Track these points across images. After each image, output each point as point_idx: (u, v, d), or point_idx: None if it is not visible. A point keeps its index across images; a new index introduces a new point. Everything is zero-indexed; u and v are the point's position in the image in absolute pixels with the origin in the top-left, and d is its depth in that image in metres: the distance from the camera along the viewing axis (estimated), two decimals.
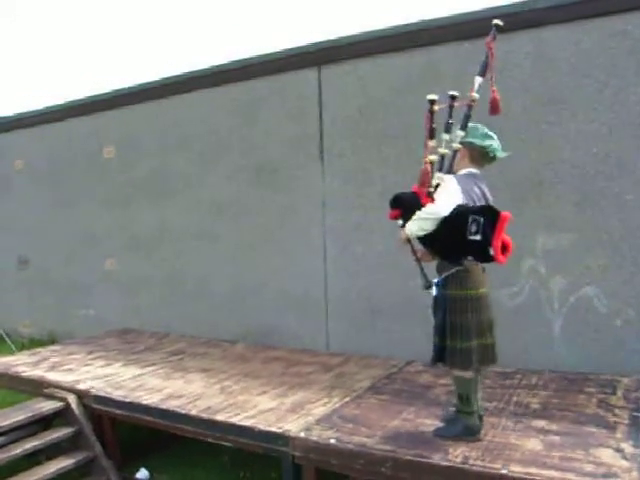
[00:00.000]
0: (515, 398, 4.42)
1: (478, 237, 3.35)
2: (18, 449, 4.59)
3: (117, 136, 8.58)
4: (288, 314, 6.83)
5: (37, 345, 8.07)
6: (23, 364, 6.16)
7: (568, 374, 4.94)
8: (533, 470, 3.16)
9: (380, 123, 6.17)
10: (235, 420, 4.22)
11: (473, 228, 3.35)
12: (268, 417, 4.25)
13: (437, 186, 3.57)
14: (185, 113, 7.75)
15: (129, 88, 8.36)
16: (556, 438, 3.60)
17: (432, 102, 3.60)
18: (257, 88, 7.06)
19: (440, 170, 3.67)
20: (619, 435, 3.60)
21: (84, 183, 9.01)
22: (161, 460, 5.29)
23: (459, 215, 3.39)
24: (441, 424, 3.84)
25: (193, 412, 4.45)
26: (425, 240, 3.64)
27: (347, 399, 4.58)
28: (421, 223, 3.51)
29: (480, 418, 3.67)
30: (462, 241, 3.41)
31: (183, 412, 4.48)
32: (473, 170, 3.65)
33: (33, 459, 4.81)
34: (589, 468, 3.16)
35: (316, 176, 6.61)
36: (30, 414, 4.88)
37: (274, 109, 6.93)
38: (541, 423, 3.87)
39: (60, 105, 9.33)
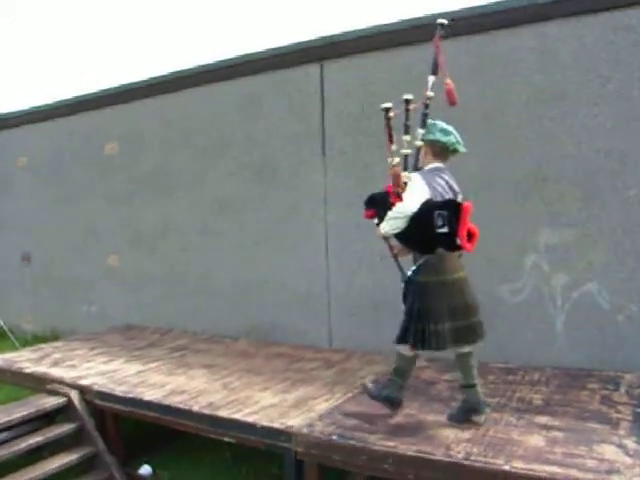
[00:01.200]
0: (517, 394, 4.42)
1: (445, 229, 3.61)
2: (22, 444, 4.62)
3: (119, 132, 8.57)
4: (290, 310, 6.83)
5: (40, 341, 8.09)
6: (26, 360, 6.18)
7: (570, 370, 4.93)
8: (535, 466, 3.15)
9: (382, 119, 6.14)
10: (237, 416, 4.23)
11: (439, 222, 3.60)
12: (270, 413, 4.25)
13: (405, 184, 3.80)
14: (187, 109, 7.75)
15: (131, 84, 8.36)
16: (559, 434, 3.60)
17: (387, 110, 3.98)
18: (259, 84, 7.04)
19: (406, 169, 3.92)
20: (622, 431, 3.60)
21: (86, 180, 9.01)
22: (164, 456, 5.30)
23: (425, 211, 3.63)
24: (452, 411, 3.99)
25: (195, 408, 4.46)
26: (400, 237, 3.86)
27: (349, 395, 4.58)
28: (393, 222, 3.75)
29: (401, 389, 4.07)
30: (431, 235, 3.65)
31: (185, 408, 4.49)
32: (437, 164, 3.86)
33: (37, 454, 4.83)
34: (592, 464, 3.15)
35: (318, 173, 6.60)
36: (33, 410, 4.90)
37: (276, 105, 6.92)
38: (544, 419, 3.87)
39: (63, 102, 9.33)
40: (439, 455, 3.39)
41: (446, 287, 3.72)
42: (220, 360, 5.92)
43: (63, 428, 4.93)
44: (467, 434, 3.66)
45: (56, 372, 5.64)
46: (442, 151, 3.85)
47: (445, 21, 3.93)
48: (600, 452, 3.30)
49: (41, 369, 5.77)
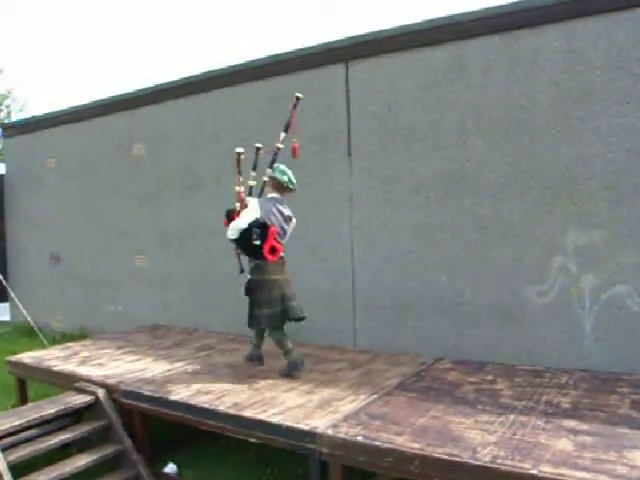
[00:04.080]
0: (545, 397, 4.36)
1: (258, 242, 5.05)
2: (52, 441, 4.67)
3: (147, 133, 8.67)
4: (316, 311, 6.79)
5: (68, 340, 8.18)
6: (55, 358, 6.27)
7: (599, 374, 4.86)
8: (564, 471, 3.10)
9: (408, 119, 6.13)
10: (262, 416, 4.23)
11: (254, 236, 5.04)
12: (295, 414, 4.25)
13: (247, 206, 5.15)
14: (213, 110, 7.80)
15: (158, 86, 8.46)
16: (587, 439, 3.54)
17: (239, 154, 5.32)
18: (285, 84, 7.05)
19: (250, 195, 5.30)
20: None
21: (114, 180, 9.13)
22: (189, 455, 5.33)
23: (249, 227, 5.05)
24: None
25: (221, 408, 4.48)
26: (237, 242, 5.23)
27: (375, 396, 4.56)
28: (231, 232, 5.15)
29: (258, 348, 5.59)
30: (251, 244, 5.07)
31: (211, 408, 4.51)
32: (275, 195, 5.31)
33: (65, 451, 4.88)
34: (623, 470, 3.08)
35: (344, 173, 6.60)
36: (62, 407, 4.96)
37: (302, 106, 6.90)
38: (572, 423, 3.81)
39: (91, 103, 9.47)
40: (465, 458, 3.36)
41: (267, 284, 5.12)
42: None
43: (91, 426, 4.98)
44: (494, 437, 3.63)
45: (84, 370, 5.70)
46: (279, 186, 5.26)
47: (301, 95, 5.40)
48: (631, 458, 3.23)
49: (69, 367, 5.85)
